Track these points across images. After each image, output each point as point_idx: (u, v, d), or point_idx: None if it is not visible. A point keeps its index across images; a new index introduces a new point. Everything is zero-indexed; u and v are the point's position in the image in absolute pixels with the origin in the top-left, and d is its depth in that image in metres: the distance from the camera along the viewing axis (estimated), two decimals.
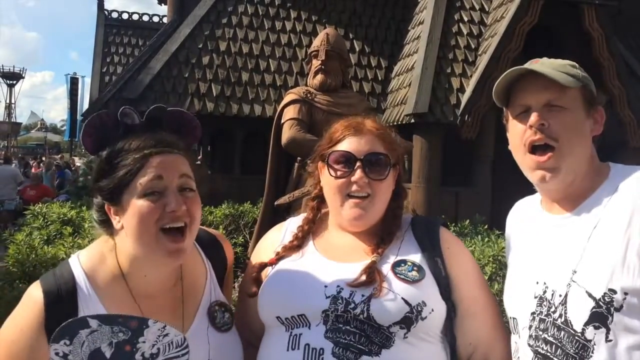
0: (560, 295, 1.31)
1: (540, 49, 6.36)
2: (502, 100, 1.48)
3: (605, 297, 1.23)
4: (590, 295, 1.25)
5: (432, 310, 1.39)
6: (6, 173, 11.53)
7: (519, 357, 1.42)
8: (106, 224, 1.33)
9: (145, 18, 14.70)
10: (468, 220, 5.25)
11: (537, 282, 1.38)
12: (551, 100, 1.37)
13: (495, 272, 3.71)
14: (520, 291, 1.44)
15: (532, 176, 1.42)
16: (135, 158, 1.25)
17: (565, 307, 1.29)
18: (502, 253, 3.83)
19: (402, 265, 1.42)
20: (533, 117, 1.37)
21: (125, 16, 14.61)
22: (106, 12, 14.39)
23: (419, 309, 1.36)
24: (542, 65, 1.40)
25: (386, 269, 1.42)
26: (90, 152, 1.34)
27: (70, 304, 1.25)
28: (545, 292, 1.35)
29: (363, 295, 1.36)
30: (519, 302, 1.43)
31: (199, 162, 8.42)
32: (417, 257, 1.46)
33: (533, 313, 1.36)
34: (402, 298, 1.36)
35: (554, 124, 1.36)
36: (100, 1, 14.46)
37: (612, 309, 1.22)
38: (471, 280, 1.51)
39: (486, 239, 4.33)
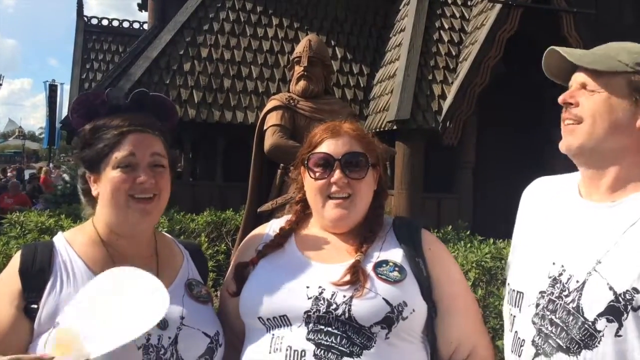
0: (577, 282, 1.29)
1: (520, 56, 6.46)
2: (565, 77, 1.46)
3: (627, 295, 1.21)
4: (611, 288, 1.23)
5: (413, 310, 1.39)
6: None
7: (516, 332, 1.41)
8: (88, 194, 1.50)
9: (126, 24, 14.60)
10: (450, 226, 5.28)
11: (554, 263, 1.35)
12: (585, 82, 1.35)
13: (479, 278, 3.72)
14: (533, 267, 1.41)
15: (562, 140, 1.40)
16: (114, 134, 1.41)
17: (581, 293, 1.27)
18: (485, 258, 3.84)
19: (384, 265, 1.44)
20: (561, 96, 1.37)
21: (105, 22, 14.50)
22: (86, 19, 14.26)
23: (400, 309, 1.37)
24: (598, 48, 1.39)
25: (368, 268, 1.42)
26: (75, 127, 1.49)
27: (44, 268, 1.38)
28: (561, 274, 1.33)
29: (344, 296, 1.36)
30: (529, 278, 1.41)
31: (179, 170, 8.36)
32: (398, 258, 1.46)
33: (542, 292, 1.34)
34: (383, 298, 1.37)
35: (582, 105, 1.34)
36: (79, 7, 14.33)
37: (629, 307, 1.21)
38: (451, 279, 1.53)
39: (469, 245, 4.34)
